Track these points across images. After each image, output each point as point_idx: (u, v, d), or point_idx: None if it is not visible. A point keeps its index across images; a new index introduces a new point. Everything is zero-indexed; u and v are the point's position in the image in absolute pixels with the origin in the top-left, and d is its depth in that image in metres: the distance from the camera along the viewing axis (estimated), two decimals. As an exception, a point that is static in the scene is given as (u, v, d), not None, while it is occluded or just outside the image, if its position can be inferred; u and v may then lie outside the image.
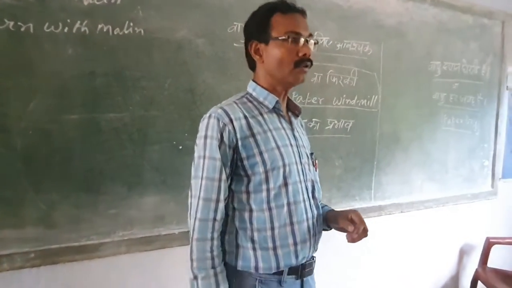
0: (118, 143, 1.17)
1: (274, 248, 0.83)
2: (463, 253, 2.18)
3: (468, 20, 1.95)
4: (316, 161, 1.00)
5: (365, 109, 1.67)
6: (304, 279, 0.91)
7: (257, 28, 0.87)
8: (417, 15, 1.78)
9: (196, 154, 0.83)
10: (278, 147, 0.84)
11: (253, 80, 0.93)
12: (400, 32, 1.72)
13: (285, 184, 0.84)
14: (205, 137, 0.81)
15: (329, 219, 0.97)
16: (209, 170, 0.80)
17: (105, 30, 1.12)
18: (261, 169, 0.82)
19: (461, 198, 2.06)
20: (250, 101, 0.89)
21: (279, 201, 0.83)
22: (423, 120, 1.88)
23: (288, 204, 0.85)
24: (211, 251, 0.79)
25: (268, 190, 0.83)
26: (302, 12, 0.88)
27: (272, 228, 0.83)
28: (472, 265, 2.16)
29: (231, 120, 0.81)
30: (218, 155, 0.79)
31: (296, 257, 0.86)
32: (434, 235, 2.03)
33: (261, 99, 0.89)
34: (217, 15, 1.29)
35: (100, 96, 1.14)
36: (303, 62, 0.85)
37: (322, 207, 0.99)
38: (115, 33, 1.14)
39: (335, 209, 1.01)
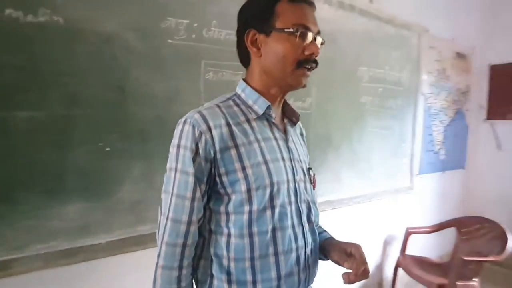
0: (34, 145, 1.03)
1: (254, 283, 0.69)
2: (386, 244, 2.39)
3: (391, 31, 2.14)
4: (315, 177, 0.85)
5: (300, 110, 1.73)
6: None
7: (258, 15, 0.73)
8: (347, 23, 1.89)
9: (168, 165, 0.71)
10: (265, 162, 0.71)
11: (244, 80, 0.79)
12: (333, 38, 1.82)
13: (272, 206, 0.70)
14: (178, 146, 0.68)
15: (325, 249, 0.83)
16: (180, 186, 0.67)
17: (14, 16, 0.98)
18: (243, 187, 0.68)
19: (385, 193, 2.26)
20: (237, 105, 0.75)
21: (262, 226, 0.69)
22: (352, 122, 2.00)
23: (274, 229, 0.70)
24: (178, 281, 0.67)
25: (250, 212, 0.69)
26: (312, 4, 0.74)
27: (252, 258, 0.69)
28: (394, 254, 2.39)
29: (209, 128, 0.68)
30: (191, 169, 0.67)
31: None
32: (362, 228, 2.19)
33: (250, 103, 0.75)
34: (150, 8, 1.21)
35: (10, 92, 0.99)
36: (308, 62, 0.72)
37: (318, 233, 0.84)
38: (27, 20, 1.00)
39: (333, 237, 0.87)
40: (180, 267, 0.68)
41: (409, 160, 2.42)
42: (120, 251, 1.22)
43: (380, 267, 2.36)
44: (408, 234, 2.34)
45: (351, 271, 0.72)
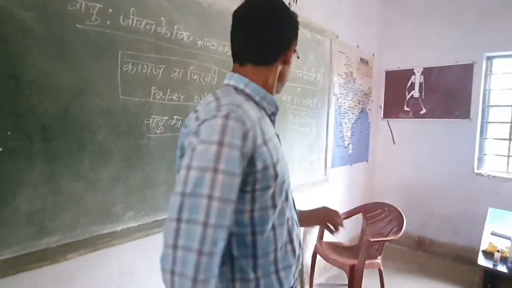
0: None
1: (277, 272, 0.73)
2: (306, 233, 2.56)
3: (307, 34, 2.29)
4: None
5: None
6: None
7: (297, 31, 0.83)
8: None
9: (196, 163, 0.60)
10: (282, 156, 0.74)
11: (240, 75, 0.77)
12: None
13: (287, 198, 0.75)
14: (220, 143, 0.60)
15: (301, 221, 0.96)
16: (224, 188, 0.59)
17: None
18: (273, 183, 0.68)
19: (304, 186, 2.41)
20: (247, 100, 0.73)
21: (282, 217, 0.73)
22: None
23: (287, 220, 0.75)
24: None
25: (274, 207, 0.70)
26: None
27: (276, 250, 0.72)
28: (312, 242, 2.57)
29: (253, 124, 0.64)
30: (238, 170, 0.61)
31: (294, 276, 0.78)
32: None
33: (257, 99, 0.76)
34: (52, -14, 1.05)
35: None
36: None
37: None
38: None
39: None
40: (216, 276, 0.61)
41: (324, 155, 2.63)
42: (19, 269, 1.03)
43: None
44: (324, 222, 2.53)
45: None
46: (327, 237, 2.55)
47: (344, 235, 2.98)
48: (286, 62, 0.81)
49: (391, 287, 2.50)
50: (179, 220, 0.58)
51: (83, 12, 1.12)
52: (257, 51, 0.77)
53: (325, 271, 2.75)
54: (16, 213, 1.01)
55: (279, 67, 0.81)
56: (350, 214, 2.70)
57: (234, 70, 0.80)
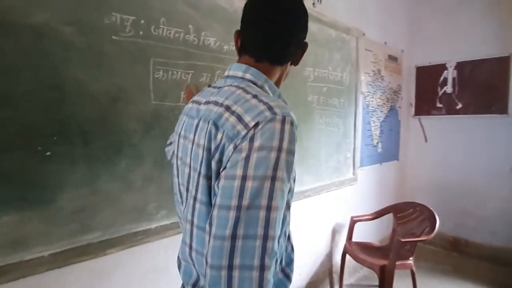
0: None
1: (282, 270, 0.76)
2: (335, 232, 2.55)
3: (332, 34, 2.27)
4: None
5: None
6: None
7: (306, 31, 0.79)
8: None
9: (254, 172, 0.54)
10: None
11: (257, 70, 0.71)
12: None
13: (289, 207, 0.72)
14: (279, 149, 0.55)
15: None
16: (282, 197, 0.55)
17: None
18: (292, 184, 0.68)
19: (331, 185, 2.40)
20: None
21: (288, 217, 0.74)
22: (300, 119, 2.09)
23: (288, 223, 0.75)
24: None
25: (289, 207, 0.71)
26: None
27: (286, 247, 0.77)
28: (341, 241, 2.55)
29: (296, 127, 0.60)
30: (290, 176, 0.58)
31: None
32: (312, 220, 2.30)
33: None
34: (90, 1, 1.13)
35: None
36: None
37: None
38: None
39: None
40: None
41: (352, 154, 2.60)
42: (64, 263, 1.12)
43: (329, 255, 2.50)
44: (353, 222, 2.51)
45: None
46: (357, 237, 2.52)
47: (375, 235, 2.92)
48: (295, 63, 0.80)
49: (424, 290, 2.43)
50: (235, 237, 0.53)
51: (118, 25, 1.20)
52: (281, 51, 0.74)
53: (355, 272, 2.71)
54: (61, 211, 1.11)
55: (288, 67, 0.80)
56: (380, 214, 2.65)
57: (244, 63, 0.73)
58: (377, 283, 2.14)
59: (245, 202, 0.53)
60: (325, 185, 2.32)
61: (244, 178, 0.54)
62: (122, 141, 1.24)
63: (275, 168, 0.54)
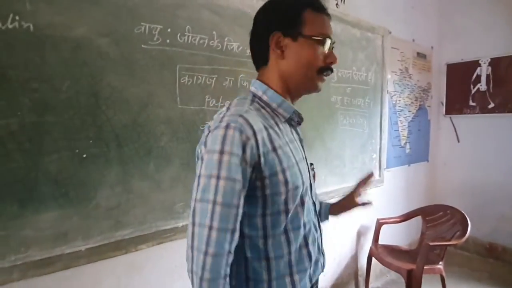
0: (3, 154, 1.01)
1: (291, 274, 0.74)
2: (360, 234, 2.51)
3: (356, 33, 2.25)
4: (314, 172, 0.93)
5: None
6: None
7: (284, 19, 0.74)
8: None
9: (204, 172, 0.66)
10: (297, 163, 0.74)
11: (260, 80, 0.79)
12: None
13: (302, 204, 0.75)
14: (221, 152, 0.64)
15: (333, 212, 1.02)
16: (226, 194, 0.64)
17: (-18, 23, 0.96)
18: (283, 189, 0.69)
19: (357, 187, 2.36)
20: (263, 108, 0.75)
21: (296, 222, 0.74)
22: (324, 120, 2.09)
23: (304, 225, 0.76)
24: None
25: (286, 211, 0.72)
26: (329, 15, 0.78)
27: (289, 253, 0.74)
28: (367, 244, 2.51)
29: (254, 133, 0.66)
30: (238, 176, 0.64)
31: (311, 280, 0.79)
32: (336, 222, 2.28)
33: (274, 106, 0.76)
34: (122, 13, 1.22)
35: (-23, 100, 0.97)
36: (327, 69, 0.77)
37: (321, 202, 1.00)
38: (-4, 27, 0.98)
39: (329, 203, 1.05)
40: (225, 276, 0.66)
41: (378, 155, 2.55)
42: (100, 257, 1.21)
43: (355, 258, 2.47)
44: (379, 225, 2.46)
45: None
46: (384, 240, 2.47)
47: (403, 239, 2.85)
48: (279, 56, 0.76)
49: (456, 296, 2.34)
50: (193, 224, 0.66)
51: (147, 34, 1.27)
52: (253, 53, 0.82)
53: (381, 275, 2.66)
54: (98, 209, 1.20)
55: (278, 64, 0.77)
56: (408, 216, 2.58)
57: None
58: (404, 287, 2.09)
59: (198, 195, 0.66)
60: (349, 187, 2.28)
61: (198, 176, 0.67)
62: (151, 143, 1.32)
63: (217, 167, 0.64)
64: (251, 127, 0.66)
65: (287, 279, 0.74)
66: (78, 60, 1.14)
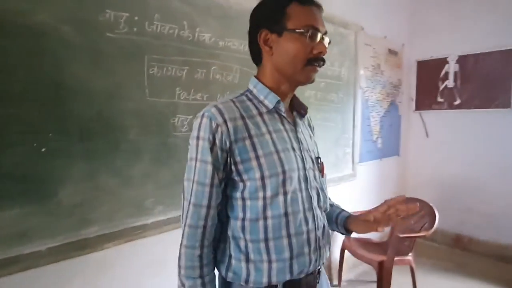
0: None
1: (269, 262, 0.77)
2: (334, 228, 2.55)
3: (330, 28, 2.27)
4: (323, 165, 0.91)
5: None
6: None
7: (270, 16, 0.78)
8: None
9: (188, 155, 0.77)
10: (277, 152, 0.77)
11: (255, 77, 0.85)
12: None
13: (284, 193, 0.76)
14: (197, 137, 0.74)
15: (349, 227, 0.92)
16: (200, 174, 0.74)
17: None
18: (257, 175, 0.74)
19: (330, 181, 2.40)
20: (250, 100, 0.82)
21: (275, 210, 0.76)
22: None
23: (286, 214, 0.77)
24: (200, 259, 0.75)
25: (264, 198, 0.75)
26: (319, 6, 0.81)
27: (266, 240, 0.76)
28: (340, 237, 2.56)
29: (224, 121, 0.73)
30: (209, 159, 0.73)
31: (291, 272, 0.78)
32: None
33: (261, 98, 0.81)
34: (86, 0, 1.15)
35: None
36: (317, 60, 0.78)
37: (339, 213, 0.96)
38: None
39: (348, 214, 0.96)
40: (201, 246, 0.76)
41: (351, 150, 2.60)
42: (63, 257, 1.15)
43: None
44: (352, 218, 2.51)
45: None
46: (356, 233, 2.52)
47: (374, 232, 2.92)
48: (268, 53, 0.80)
49: (425, 285, 2.43)
50: (182, 198, 0.78)
51: (112, 21, 1.21)
52: (250, 52, 0.86)
53: (354, 267, 2.72)
54: (60, 206, 1.13)
55: (270, 60, 0.81)
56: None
57: None
58: (375, 278, 2.15)
59: (185, 175, 0.78)
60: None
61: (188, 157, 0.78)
62: (119, 137, 1.26)
63: (195, 151, 0.74)
64: (222, 115, 0.73)
65: (264, 265, 0.77)
66: (38, 48, 1.07)
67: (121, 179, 1.28)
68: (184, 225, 0.76)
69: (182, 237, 0.76)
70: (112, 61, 1.22)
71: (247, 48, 1.71)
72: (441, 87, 3.21)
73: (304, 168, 0.82)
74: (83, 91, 1.16)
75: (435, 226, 2.19)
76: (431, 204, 2.39)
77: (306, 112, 0.90)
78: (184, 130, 1.45)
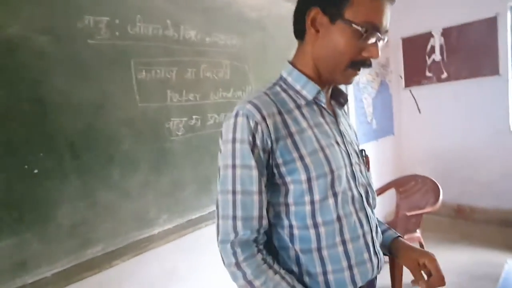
0: None
1: (324, 273, 0.67)
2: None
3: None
4: (368, 158, 0.82)
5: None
6: None
7: None
8: (274, 10, 1.92)
9: (221, 163, 0.66)
10: (322, 149, 0.67)
11: (290, 62, 0.74)
12: (262, 25, 1.82)
13: (334, 194, 0.67)
14: (233, 141, 0.64)
15: (394, 250, 0.81)
16: (244, 181, 0.64)
17: None
18: (302, 177, 0.65)
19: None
20: (285, 90, 0.71)
21: (327, 215, 0.67)
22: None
23: (339, 218, 0.68)
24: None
25: (312, 202, 0.66)
26: (393, 2, 0.66)
27: (319, 249, 0.67)
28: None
29: (263, 117, 0.63)
30: (253, 162, 0.63)
31: (353, 282, 0.69)
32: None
33: (297, 88, 0.71)
34: (60, 6, 1.07)
35: None
36: (363, 63, 0.68)
37: (383, 231, 0.84)
38: None
39: (397, 235, 0.85)
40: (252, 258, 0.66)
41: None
42: (70, 281, 1.09)
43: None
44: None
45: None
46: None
47: (378, 212, 2.93)
48: (314, 35, 0.68)
49: (434, 259, 2.44)
50: (217, 216, 0.67)
51: (92, 27, 1.14)
52: (294, 24, 0.74)
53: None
54: (60, 229, 1.07)
55: (313, 44, 0.69)
56: (382, 190, 2.64)
57: None
58: (387, 259, 2.14)
59: (218, 188, 0.68)
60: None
61: (219, 168, 0.68)
62: (113, 149, 1.20)
63: (232, 156, 0.64)
64: (260, 112, 0.64)
65: (320, 278, 0.68)
66: (15, 63, 0.99)
67: (120, 193, 1.22)
68: (232, 244, 0.65)
69: (231, 258, 0.65)
70: (96, 69, 1.15)
71: (235, 42, 1.66)
72: (429, 61, 3.20)
73: (351, 164, 0.72)
74: (68, 105, 1.09)
75: (440, 200, 2.20)
76: (433, 179, 2.39)
77: (346, 101, 0.80)
78: (181, 133, 1.39)
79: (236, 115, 0.65)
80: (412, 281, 0.75)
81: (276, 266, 0.66)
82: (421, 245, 2.27)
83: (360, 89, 2.80)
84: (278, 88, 0.72)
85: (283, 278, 0.65)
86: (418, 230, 2.22)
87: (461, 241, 2.78)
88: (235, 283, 0.66)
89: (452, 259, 2.52)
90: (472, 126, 3.04)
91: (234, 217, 0.64)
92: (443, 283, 0.70)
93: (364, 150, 0.82)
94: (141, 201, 1.28)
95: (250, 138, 0.63)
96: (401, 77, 3.41)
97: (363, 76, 2.86)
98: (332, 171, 0.67)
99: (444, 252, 2.63)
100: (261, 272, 0.63)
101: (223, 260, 0.66)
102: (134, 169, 1.25)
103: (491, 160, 2.97)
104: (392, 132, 3.33)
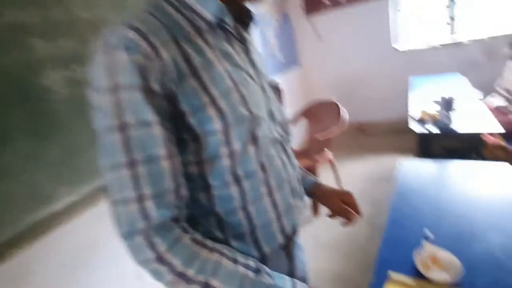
0: None
1: (253, 232, 0.58)
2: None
3: None
4: (283, 92, 0.67)
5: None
6: (293, 252, 0.70)
7: None
8: None
9: (100, 126, 0.47)
10: (236, 86, 0.53)
11: None
12: None
13: (254, 140, 0.55)
14: (114, 88, 0.44)
15: (314, 196, 0.79)
16: (144, 145, 0.46)
17: None
18: (217, 126, 0.51)
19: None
20: (177, 10, 0.52)
21: (248, 166, 0.55)
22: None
23: (262, 166, 0.57)
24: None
25: (231, 154, 0.53)
26: None
27: (244, 207, 0.57)
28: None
29: (155, 48, 0.45)
30: (151, 116, 0.45)
31: (283, 232, 0.62)
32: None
33: (195, 5, 0.53)
34: None
35: None
36: None
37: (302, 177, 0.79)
38: None
39: (316, 180, 0.81)
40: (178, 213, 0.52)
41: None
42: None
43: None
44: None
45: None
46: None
47: (295, 141, 3.11)
48: None
49: (343, 170, 2.76)
50: (113, 203, 0.49)
51: None
52: None
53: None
54: None
55: None
56: (293, 121, 2.77)
57: None
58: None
59: (104, 163, 0.50)
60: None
61: (96, 135, 0.54)
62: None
63: (116, 113, 0.47)
64: (148, 40, 0.46)
65: (248, 238, 0.59)
66: None
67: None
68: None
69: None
70: None
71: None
72: (324, -13, 3.23)
73: (268, 101, 0.62)
74: None
75: (345, 120, 2.40)
76: (337, 103, 2.58)
77: (252, 19, 0.64)
78: (64, 91, 1.15)
79: (113, 49, 0.45)
80: (329, 215, 0.79)
81: (208, 242, 0.52)
82: (332, 163, 2.52)
83: (263, 22, 2.72)
84: (167, 6, 0.53)
85: (222, 254, 0.52)
86: (328, 151, 2.43)
87: (363, 153, 3.19)
88: (160, 282, 0.51)
89: (357, 169, 2.89)
90: (364, 47, 3.31)
91: (140, 198, 0.47)
92: (360, 215, 0.75)
93: (278, 84, 0.75)
94: (29, 177, 1.06)
95: (141, 81, 0.45)
96: (301, 6, 3.41)
97: (263, 8, 2.76)
98: (251, 112, 0.55)
99: (351, 164, 2.99)
100: (193, 257, 0.49)
101: (134, 258, 0.49)
102: (8, 141, 1.01)
103: (382, 78, 3.33)
104: (298, 63, 3.42)
